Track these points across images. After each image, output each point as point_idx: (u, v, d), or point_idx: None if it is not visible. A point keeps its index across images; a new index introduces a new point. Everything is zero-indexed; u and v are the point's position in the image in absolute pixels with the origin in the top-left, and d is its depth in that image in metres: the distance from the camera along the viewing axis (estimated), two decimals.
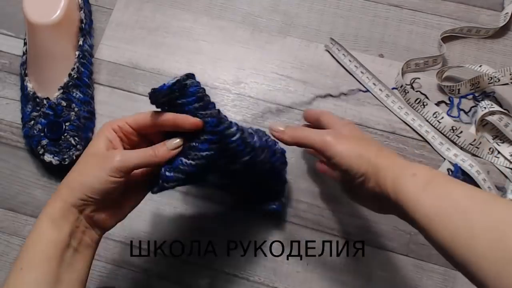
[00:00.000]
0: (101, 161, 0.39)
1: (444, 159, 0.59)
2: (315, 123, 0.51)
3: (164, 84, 0.40)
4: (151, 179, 0.44)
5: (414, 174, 0.39)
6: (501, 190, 0.58)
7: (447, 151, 0.59)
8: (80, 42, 0.61)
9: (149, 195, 0.59)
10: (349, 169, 0.42)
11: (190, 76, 0.41)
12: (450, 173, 0.58)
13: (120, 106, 0.62)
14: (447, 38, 0.65)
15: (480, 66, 0.60)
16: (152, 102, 0.41)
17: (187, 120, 0.41)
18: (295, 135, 0.46)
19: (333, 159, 0.43)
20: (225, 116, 0.42)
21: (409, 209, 0.38)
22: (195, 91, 0.41)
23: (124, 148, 0.42)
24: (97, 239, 0.42)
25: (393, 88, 0.63)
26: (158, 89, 0.40)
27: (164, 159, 0.41)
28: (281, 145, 0.50)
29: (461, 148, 0.60)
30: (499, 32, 0.65)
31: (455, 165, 0.58)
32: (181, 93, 0.41)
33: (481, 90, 0.62)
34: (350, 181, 0.44)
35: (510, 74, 0.58)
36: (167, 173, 0.41)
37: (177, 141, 0.42)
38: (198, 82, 0.41)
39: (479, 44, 0.65)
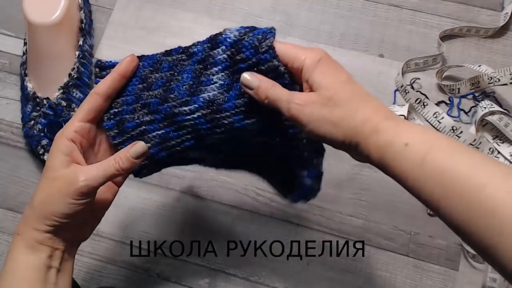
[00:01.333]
0: (63, 186, 0.37)
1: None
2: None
3: (111, 60, 0.41)
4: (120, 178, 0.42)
5: (406, 144, 0.32)
6: None
7: None
8: (80, 42, 0.61)
9: (149, 195, 0.59)
10: (321, 138, 0.36)
11: (138, 57, 0.41)
12: None
13: None
14: (447, 37, 0.65)
15: (480, 66, 0.60)
16: (98, 75, 0.41)
17: (122, 64, 0.40)
18: (267, 95, 0.37)
19: (304, 128, 0.36)
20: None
21: (406, 184, 0.33)
22: (139, 73, 0.41)
23: (84, 151, 0.40)
24: (74, 252, 0.41)
25: (395, 91, 0.63)
26: (106, 63, 0.41)
27: (129, 169, 0.38)
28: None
29: None
30: (499, 32, 0.65)
31: None
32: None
33: (481, 90, 0.62)
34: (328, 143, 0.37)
35: (510, 74, 0.58)
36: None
37: (140, 147, 0.39)
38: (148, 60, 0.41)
39: (479, 44, 0.65)
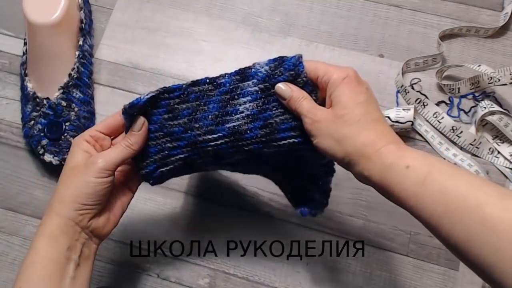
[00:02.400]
0: (83, 169, 0.40)
1: (444, 159, 0.59)
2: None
3: (140, 98, 0.42)
4: (132, 180, 0.46)
5: (407, 167, 0.34)
6: None
7: (446, 151, 0.59)
8: (80, 42, 0.60)
9: (149, 195, 0.59)
10: (325, 152, 0.38)
11: (166, 90, 0.43)
12: None
13: (120, 106, 0.62)
14: (447, 37, 0.65)
15: (479, 65, 0.60)
16: (125, 113, 0.42)
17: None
18: (295, 106, 0.40)
19: (312, 139, 0.39)
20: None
21: (407, 205, 0.35)
22: (166, 104, 0.43)
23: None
24: (95, 250, 0.43)
25: (397, 92, 0.63)
26: (133, 103, 0.42)
27: (140, 144, 0.42)
28: None
29: (461, 148, 0.60)
30: (499, 32, 0.65)
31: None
32: (152, 106, 0.43)
33: (481, 90, 0.62)
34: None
35: (510, 74, 0.58)
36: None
37: (139, 120, 0.42)
38: (174, 92, 0.43)
39: (479, 44, 0.65)
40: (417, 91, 0.62)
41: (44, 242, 0.39)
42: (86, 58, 0.61)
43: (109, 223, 0.43)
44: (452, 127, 0.59)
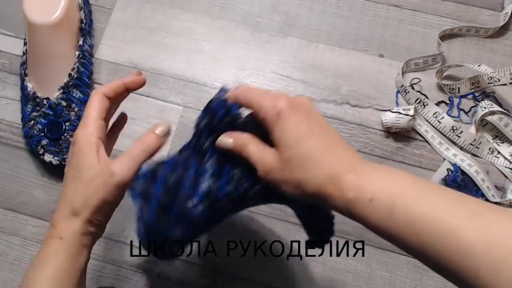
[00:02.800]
0: (100, 181, 0.38)
1: (444, 159, 0.59)
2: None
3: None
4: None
5: (371, 200, 0.32)
6: (501, 190, 0.58)
7: (446, 151, 0.59)
8: (80, 42, 0.61)
9: None
10: (291, 197, 0.36)
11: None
12: (450, 173, 0.58)
13: (120, 106, 0.62)
14: (447, 37, 0.65)
15: (479, 65, 0.60)
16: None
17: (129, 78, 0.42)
18: (242, 153, 0.37)
19: (273, 189, 0.36)
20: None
21: (381, 236, 0.33)
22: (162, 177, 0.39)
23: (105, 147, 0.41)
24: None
25: (397, 92, 0.63)
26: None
27: (158, 148, 0.40)
28: None
29: (461, 148, 0.60)
30: (499, 32, 0.65)
31: (454, 165, 0.58)
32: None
33: (481, 90, 0.62)
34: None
35: (510, 74, 0.58)
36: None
37: (166, 126, 0.40)
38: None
39: (479, 44, 0.65)
40: (417, 91, 0.62)
41: (65, 258, 0.38)
42: (86, 58, 0.61)
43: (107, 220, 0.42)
44: (452, 127, 0.59)
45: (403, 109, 0.59)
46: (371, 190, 0.32)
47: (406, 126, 0.59)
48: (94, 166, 0.38)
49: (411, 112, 0.58)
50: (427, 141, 0.60)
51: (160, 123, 0.40)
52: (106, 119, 0.42)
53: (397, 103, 0.62)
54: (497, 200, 0.56)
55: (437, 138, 0.60)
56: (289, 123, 0.35)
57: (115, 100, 0.43)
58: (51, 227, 0.39)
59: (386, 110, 0.61)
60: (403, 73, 0.63)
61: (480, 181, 0.57)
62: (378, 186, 0.32)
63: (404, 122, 0.58)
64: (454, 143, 0.60)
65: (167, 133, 0.40)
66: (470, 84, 0.61)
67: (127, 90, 0.43)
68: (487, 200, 0.56)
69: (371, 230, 0.33)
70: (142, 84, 0.44)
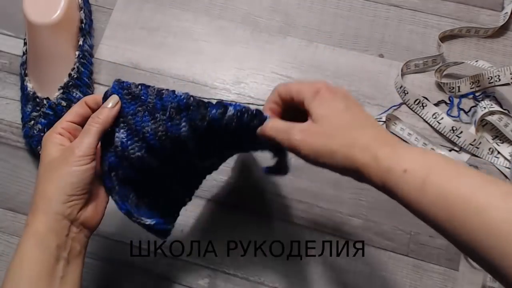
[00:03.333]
0: (63, 161, 0.39)
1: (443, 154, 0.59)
2: (291, 105, 0.42)
3: (128, 82, 0.43)
4: None
5: (405, 171, 0.33)
6: None
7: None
8: (80, 42, 0.61)
9: None
10: (324, 166, 0.37)
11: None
12: None
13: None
14: (447, 37, 0.65)
15: (477, 61, 0.60)
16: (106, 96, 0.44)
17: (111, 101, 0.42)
18: (268, 132, 0.40)
19: (305, 159, 0.38)
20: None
21: (411, 209, 0.34)
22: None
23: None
24: (86, 243, 0.42)
25: (401, 101, 0.63)
26: (122, 85, 0.43)
27: (110, 119, 0.41)
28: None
29: (461, 149, 0.60)
30: (499, 32, 0.65)
31: None
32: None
33: (481, 89, 0.62)
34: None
35: (511, 74, 0.58)
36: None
37: (113, 97, 0.42)
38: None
39: (478, 44, 0.65)
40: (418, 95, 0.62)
41: (31, 244, 0.37)
42: (86, 58, 0.61)
43: (97, 212, 0.42)
44: (452, 127, 0.59)
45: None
46: (406, 161, 0.33)
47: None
48: (54, 155, 0.40)
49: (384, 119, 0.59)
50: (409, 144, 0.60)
51: (109, 98, 0.42)
52: (81, 124, 0.43)
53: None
54: None
55: (421, 140, 0.60)
56: (327, 99, 0.37)
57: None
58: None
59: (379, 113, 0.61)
60: (402, 74, 0.63)
61: None
62: (413, 159, 0.33)
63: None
64: (455, 144, 0.60)
65: (117, 103, 0.42)
66: (470, 83, 0.61)
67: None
68: None
69: (400, 203, 0.34)
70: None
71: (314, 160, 0.37)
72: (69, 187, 0.38)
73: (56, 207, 0.38)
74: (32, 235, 0.38)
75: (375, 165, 0.34)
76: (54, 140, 0.41)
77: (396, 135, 0.60)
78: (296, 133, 0.37)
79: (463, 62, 0.61)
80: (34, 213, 0.38)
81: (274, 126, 0.40)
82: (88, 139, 0.40)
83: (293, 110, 0.41)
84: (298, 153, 0.37)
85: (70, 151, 0.39)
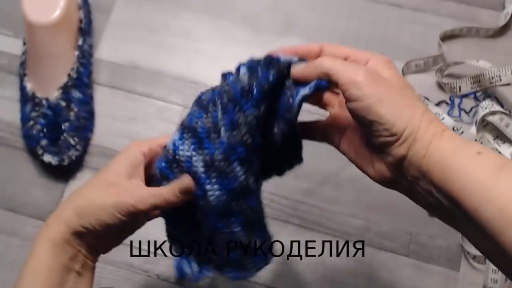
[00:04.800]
0: (115, 195, 0.36)
1: None
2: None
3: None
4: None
5: (479, 153, 0.29)
6: None
7: None
8: (80, 42, 0.60)
9: None
10: (379, 121, 0.31)
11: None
12: None
13: (119, 106, 0.62)
14: (448, 37, 0.65)
15: (478, 61, 0.60)
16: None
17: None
18: (317, 70, 0.34)
19: (362, 102, 0.31)
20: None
21: (471, 198, 0.28)
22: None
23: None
24: (95, 261, 0.41)
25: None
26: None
27: (172, 205, 0.37)
28: None
29: None
30: (500, 32, 0.65)
31: None
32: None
33: (482, 89, 0.61)
34: (367, 137, 0.33)
35: None
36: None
37: (185, 179, 0.36)
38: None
39: (479, 44, 0.65)
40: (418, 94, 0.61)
41: (47, 248, 0.37)
42: (85, 58, 0.61)
43: (112, 244, 0.41)
44: (453, 127, 0.59)
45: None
46: (479, 147, 0.30)
47: None
48: (123, 175, 0.37)
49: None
50: None
51: (184, 179, 0.37)
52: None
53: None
54: None
55: None
56: (388, 65, 0.34)
57: None
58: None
59: None
60: (403, 74, 0.63)
61: None
62: (484, 147, 0.30)
63: None
64: None
65: (187, 190, 0.37)
66: (471, 83, 0.61)
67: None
68: None
69: (453, 193, 0.29)
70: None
71: (372, 107, 0.31)
72: (97, 222, 0.36)
73: (77, 227, 0.37)
74: (50, 240, 0.37)
75: (442, 140, 0.30)
76: (132, 158, 0.38)
77: None
78: (365, 72, 0.32)
79: (464, 62, 0.61)
80: (58, 219, 0.37)
81: (326, 61, 0.33)
82: (146, 205, 0.36)
83: None
84: (356, 91, 0.31)
85: (128, 194, 0.36)
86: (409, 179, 0.32)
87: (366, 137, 0.33)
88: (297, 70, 0.36)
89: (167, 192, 0.36)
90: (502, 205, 0.27)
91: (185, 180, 0.36)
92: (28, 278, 0.37)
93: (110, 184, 0.37)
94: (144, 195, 0.36)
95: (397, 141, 0.31)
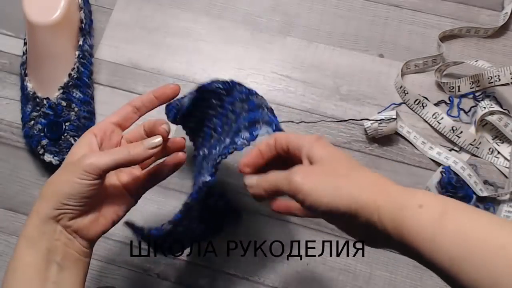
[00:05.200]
0: (71, 167, 0.38)
1: (441, 164, 0.59)
2: (287, 155, 0.39)
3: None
4: (138, 188, 0.44)
5: (420, 206, 0.31)
6: (492, 185, 0.58)
7: (430, 150, 0.59)
8: (80, 42, 0.61)
9: (149, 195, 0.59)
10: (326, 211, 0.33)
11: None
12: (444, 175, 0.57)
13: (120, 106, 0.62)
14: (447, 37, 0.65)
15: (476, 61, 0.60)
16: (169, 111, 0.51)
17: (166, 88, 0.44)
18: (265, 186, 0.37)
19: (306, 202, 0.34)
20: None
21: (423, 249, 0.30)
22: None
23: (103, 146, 0.42)
24: (86, 252, 0.40)
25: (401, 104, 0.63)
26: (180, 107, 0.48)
27: (140, 158, 0.39)
28: None
29: (461, 149, 0.60)
30: (499, 32, 0.65)
31: (445, 167, 0.58)
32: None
33: (481, 89, 0.61)
34: (336, 223, 0.36)
35: (510, 74, 0.58)
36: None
37: (157, 139, 0.40)
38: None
39: (479, 44, 0.65)
40: (418, 94, 0.62)
41: (23, 245, 0.37)
42: (86, 58, 0.61)
43: (97, 224, 0.40)
44: (452, 127, 0.59)
45: (385, 117, 0.58)
46: (421, 198, 0.31)
47: (389, 131, 0.59)
48: (77, 156, 0.39)
49: (394, 115, 0.58)
50: (410, 142, 0.60)
51: (153, 138, 0.40)
52: (122, 126, 0.44)
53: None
54: (485, 194, 0.56)
55: (420, 138, 0.60)
56: (329, 144, 0.37)
57: (142, 110, 0.45)
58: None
59: (367, 119, 0.59)
60: (402, 74, 0.63)
61: (467, 176, 0.57)
62: (428, 197, 0.32)
63: (386, 128, 0.58)
64: (454, 143, 0.60)
65: (156, 146, 0.40)
66: (470, 83, 0.61)
67: (157, 100, 0.45)
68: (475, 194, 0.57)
69: (410, 245, 0.31)
70: (171, 95, 0.45)
71: (317, 199, 0.33)
72: (63, 195, 0.37)
73: (47, 210, 0.37)
74: (25, 236, 0.37)
75: (387, 203, 0.32)
76: (85, 138, 0.40)
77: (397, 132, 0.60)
78: (297, 173, 0.34)
79: (463, 62, 0.61)
80: (31, 213, 0.38)
81: (271, 178, 0.37)
82: (109, 158, 0.38)
83: (275, 164, 0.39)
84: (298, 193, 0.34)
85: (83, 160, 0.37)
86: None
87: None
88: (249, 181, 0.39)
89: (132, 146, 0.39)
90: (451, 254, 0.29)
91: (156, 137, 0.40)
92: (10, 277, 0.37)
93: (68, 164, 0.39)
94: (99, 154, 0.38)
95: (350, 217, 0.33)
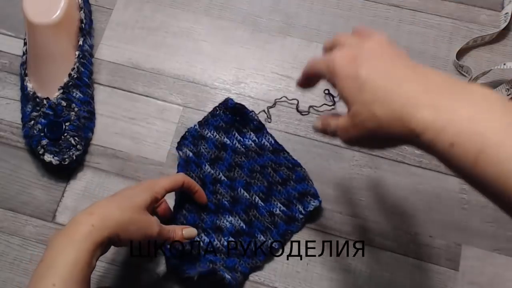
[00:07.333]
0: (143, 227, 0.45)
1: None
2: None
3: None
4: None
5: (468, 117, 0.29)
6: None
7: None
8: (80, 42, 0.61)
9: None
10: (374, 140, 0.35)
11: None
12: None
13: (120, 106, 0.62)
14: (461, 54, 0.64)
15: (504, 64, 0.59)
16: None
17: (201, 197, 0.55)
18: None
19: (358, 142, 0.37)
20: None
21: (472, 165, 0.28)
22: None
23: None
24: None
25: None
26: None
27: (175, 239, 0.49)
28: None
29: None
30: (500, 33, 0.65)
31: None
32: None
33: None
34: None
35: None
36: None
37: (194, 233, 0.51)
38: None
39: (491, 49, 0.64)
40: None
41: (83, 247, 0.40)
42: (86, 58, 0.61)
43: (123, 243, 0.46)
44: None
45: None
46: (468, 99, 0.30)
47: None
48: (144, 203, 0.46)
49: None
50: None
51: (191, 228, 0.51)
52: (169, 192, 0.51)
53: None
54: None
55: None
56: (342, 80, 0.35)
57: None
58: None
59: None
60: None
61: None
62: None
63: None
64: None
65: (191, 237, 0.50)
66: (506, 90, 0.60)
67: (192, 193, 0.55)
68: None
69: (459, 163, 0.29)
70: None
71: (363, 144, 0.37)
72: (129, 237, 0.45)
73: (103, 232, 0.42)
74: (84, 238, 0.41)
75: (435, 117, 0.30)
76: (151, 195, 0.47)
77: None
78: (338, 131, 0.39)
79: (491, 70, 0.60)
80: (87, 221, 0.42)
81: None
82: (160, 236, 0.47)
83: None
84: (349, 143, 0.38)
85: (153, 227, 0.46)
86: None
87: None
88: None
89: (174, 232, 0.50)
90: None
91: (192, 230, 0.52)
92: (64, 269, 0.38)
93: (141, 215, 0.45)
94: (160, 229, 0.47)
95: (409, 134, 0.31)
